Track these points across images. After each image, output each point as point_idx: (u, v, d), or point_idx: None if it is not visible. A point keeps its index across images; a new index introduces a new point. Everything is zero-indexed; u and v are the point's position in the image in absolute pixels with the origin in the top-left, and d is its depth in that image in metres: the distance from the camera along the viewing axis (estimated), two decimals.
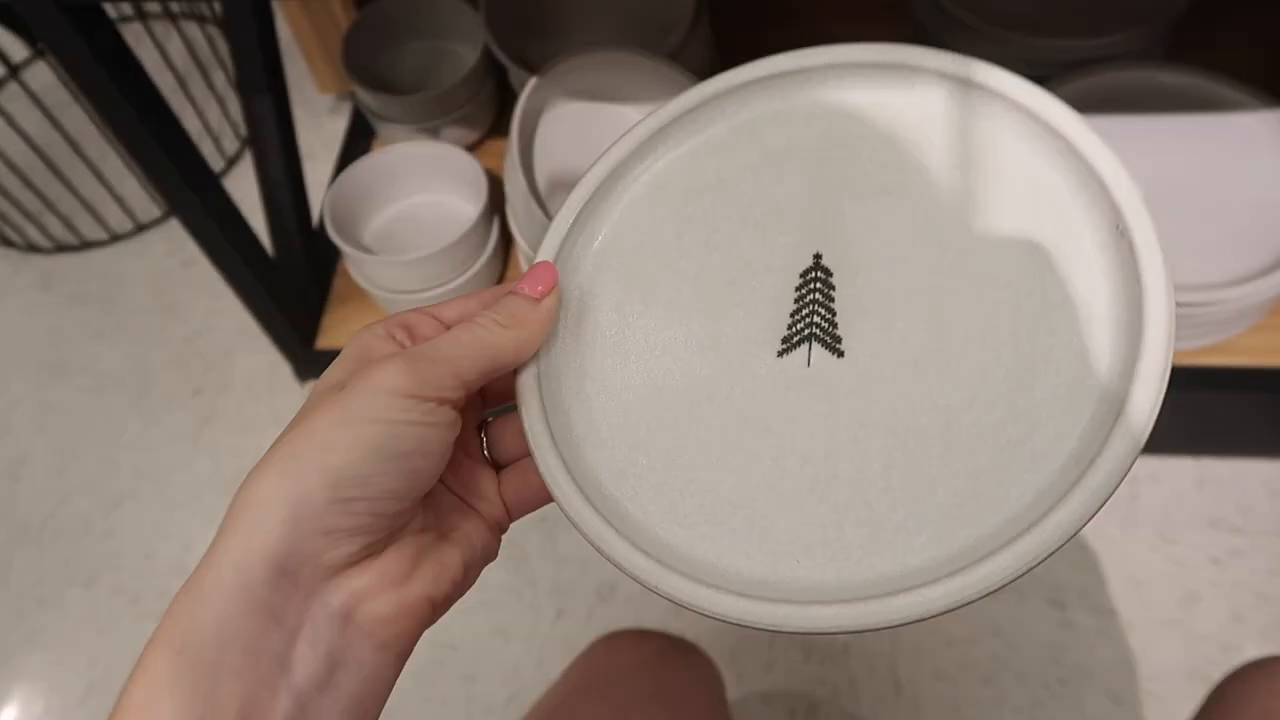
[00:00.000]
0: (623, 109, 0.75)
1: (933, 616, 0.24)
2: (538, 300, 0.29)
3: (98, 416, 1.00)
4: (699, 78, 0.37)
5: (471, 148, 0.90)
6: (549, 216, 0.58)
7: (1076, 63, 0.75)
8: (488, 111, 0.89)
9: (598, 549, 0.27)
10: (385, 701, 0.26)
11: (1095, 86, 0.75)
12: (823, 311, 0.29)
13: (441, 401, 0.26)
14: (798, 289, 0.30)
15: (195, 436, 0.97)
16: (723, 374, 0.29)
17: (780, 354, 0.29)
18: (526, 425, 0.29)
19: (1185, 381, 0.72)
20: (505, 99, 0.89)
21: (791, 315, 0.29)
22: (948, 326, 0.28)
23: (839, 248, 0.30)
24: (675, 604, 0.26)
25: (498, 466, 0.31)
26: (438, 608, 0.27)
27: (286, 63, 0.82)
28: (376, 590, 0.25)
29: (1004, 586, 0.24)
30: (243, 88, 0.78)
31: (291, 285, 0.82)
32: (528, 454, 0.29)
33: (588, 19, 0.84)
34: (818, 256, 0.30)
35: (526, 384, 0.29)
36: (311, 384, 0.24)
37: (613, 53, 0.72)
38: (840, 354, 0.29)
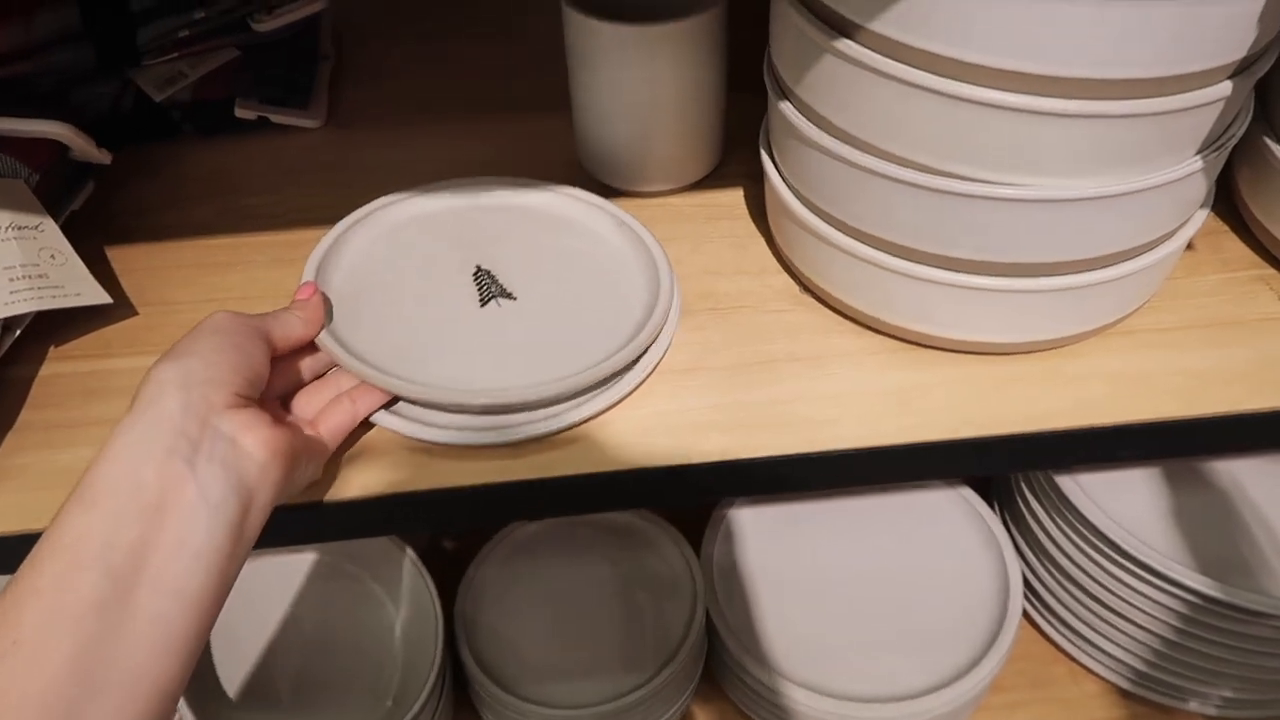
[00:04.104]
0: None
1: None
2: (305, 297, 0.46)
3: None
4: None
5: None
6: None
7: None
8: None
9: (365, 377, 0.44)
10: (264, 523, 0.37)
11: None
12: (497, 284, 0.49)
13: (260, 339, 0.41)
14: (475, 280, 0.49)
15: None
16: (452, 321, 0.48)
17: (481, 306, 0.48)
18: (327, 345, 0.45)
19: None
20: None
21: (479, 293, 0.49)
22: (567, 289, 0.49)
23: (490, 261, 0.50)
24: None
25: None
26: (297, 460, 0.38)
27: None
28: (253, 424, 0.36)
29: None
30: None
31: None
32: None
33: None
34: (479, 265, 0.50)
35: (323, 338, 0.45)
36: None
37: None
38: (514, 298, 0.48)
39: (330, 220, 0.53)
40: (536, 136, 0.62)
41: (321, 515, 0.44)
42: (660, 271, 0.48)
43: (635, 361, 0.46)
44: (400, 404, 0.45)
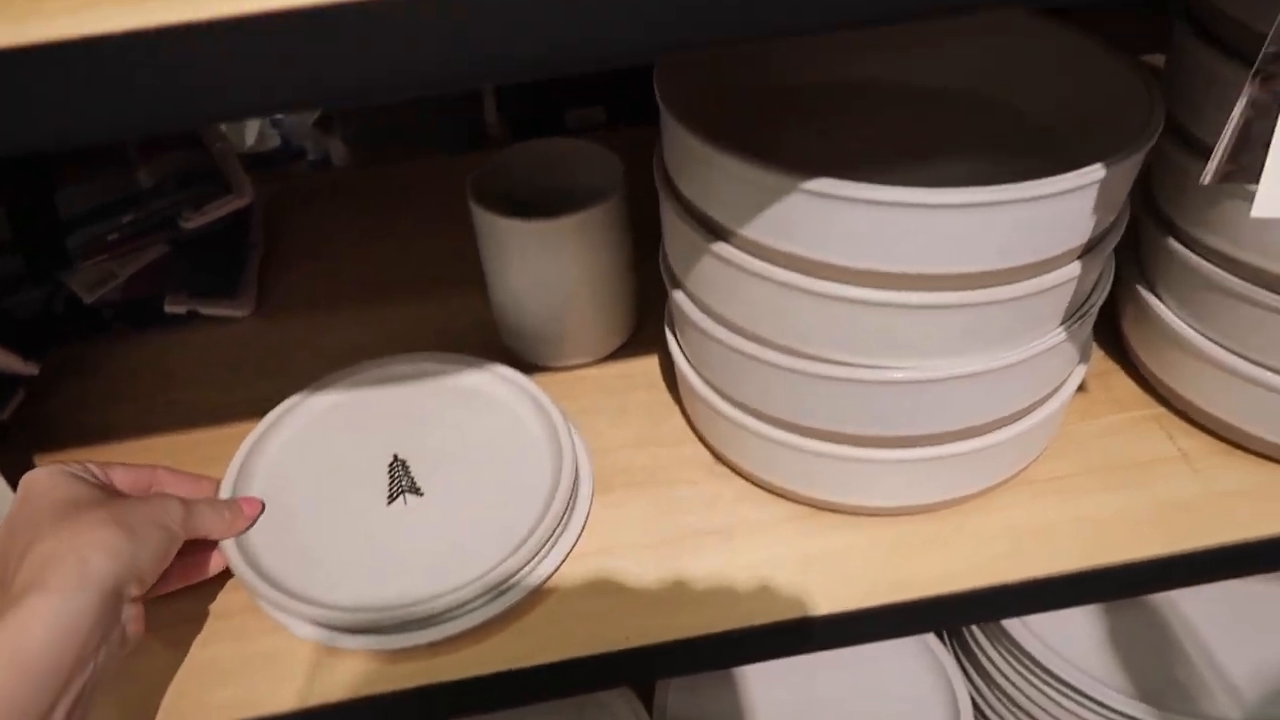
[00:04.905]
0: None
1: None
2: (245, 513, 0.48)
3: None
4: None
5: None
6: None
7: None
8: None
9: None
10: None
11: None
12: (408, 478, 0.50)
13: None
14: (390, 472, 0.51)
15: None
16: (358, 521, 0.49)
17: (388, 504, 0.49)
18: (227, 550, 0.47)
19: None
20: None
21: (389, 487, 0.50)
22: (477, 478, 0.50)
23: (408, 448, 0.52)
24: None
25: None
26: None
27: None
28: (140, 616, 0.40)
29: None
30: None
31: None
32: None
33: None
34: (396, 454, 0.52)
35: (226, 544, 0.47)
36: None
37: None
38: (421, 493, 0.50)
39: (261, 410, 0.54)
40: (463, 311, 0.64)
41: None
42: (565, 463, 0.49)
43: (535, 558, 0.46)
44: None
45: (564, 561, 0.47)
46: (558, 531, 0.47)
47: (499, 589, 0.45)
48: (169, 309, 0.64)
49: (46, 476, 0.42)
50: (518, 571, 0.45)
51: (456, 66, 0.25)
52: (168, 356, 0.64)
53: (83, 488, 0.42)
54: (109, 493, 0.43)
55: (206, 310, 0.65)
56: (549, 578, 0.47)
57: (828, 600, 0.46)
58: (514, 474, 0.50)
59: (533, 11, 0.25)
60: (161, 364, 0.64)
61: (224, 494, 0.49)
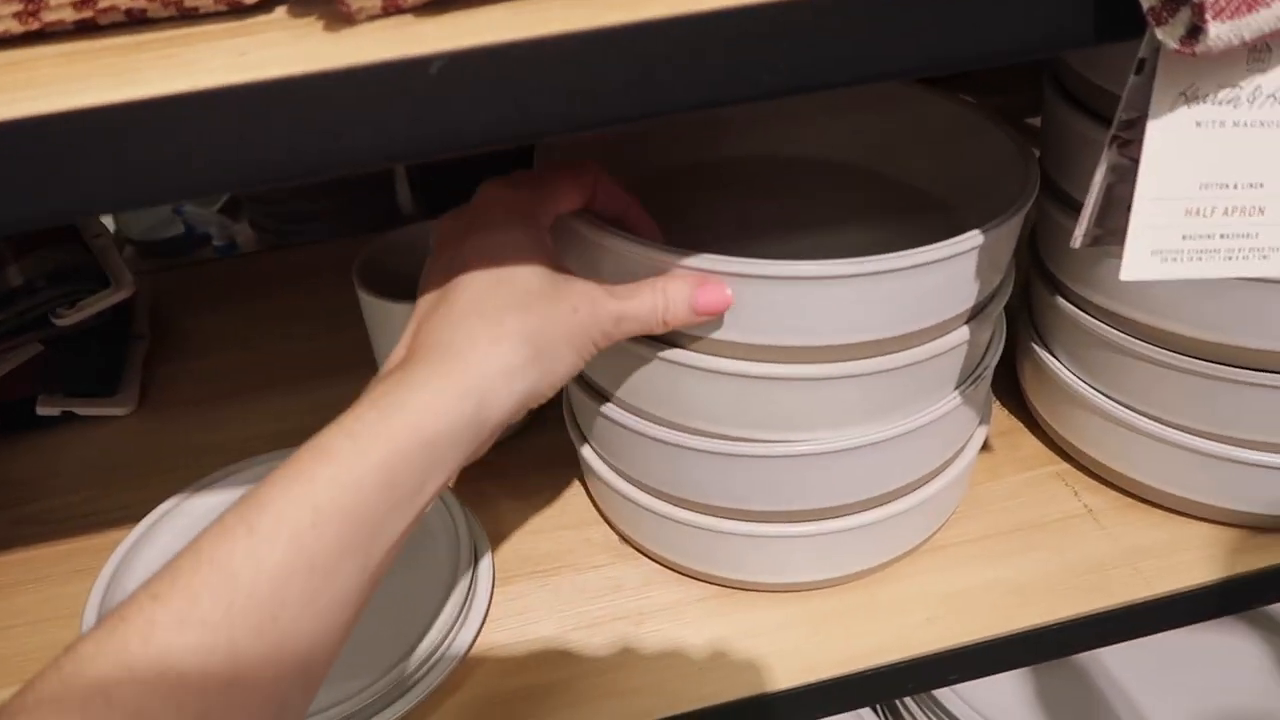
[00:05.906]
0: None
1: None
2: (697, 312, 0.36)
3: None
4: None
5: None
6: None
7: None
8: None
9: None
10: None
11: None
12: None
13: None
14: None
15: None
16: None
17: None
18: None
19: None
20: None
21: None
22: None
23: None
24: None
25: None
26: None
27: None
28: None
29: None
30: None
31: None
32: None
33: None
34: None
35: None
36: None
37: None
38: None
39: (139, 515, 0.51)
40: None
41: None
42: (462, 553, 0.47)
43: (430, 659, 0.44)
44: None
45: (462, 660, 0.45)
46: (455, 628, 0.44)
47: (393, 694, 0.42)
48: (41, 411, 0.60)
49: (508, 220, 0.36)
50: (413, 674, 0.42)
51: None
52: (41, 461, 0.60)
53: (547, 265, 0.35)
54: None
55: (82, 410, 0.61)
56: (446, 679, 0.44)
57: (744, 684, 0.44)
58: (408, 570, 0.47)
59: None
60: (32, 472, 0.59)
61: (90, 608, 0.46)
